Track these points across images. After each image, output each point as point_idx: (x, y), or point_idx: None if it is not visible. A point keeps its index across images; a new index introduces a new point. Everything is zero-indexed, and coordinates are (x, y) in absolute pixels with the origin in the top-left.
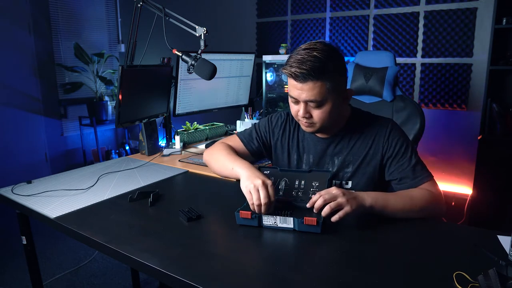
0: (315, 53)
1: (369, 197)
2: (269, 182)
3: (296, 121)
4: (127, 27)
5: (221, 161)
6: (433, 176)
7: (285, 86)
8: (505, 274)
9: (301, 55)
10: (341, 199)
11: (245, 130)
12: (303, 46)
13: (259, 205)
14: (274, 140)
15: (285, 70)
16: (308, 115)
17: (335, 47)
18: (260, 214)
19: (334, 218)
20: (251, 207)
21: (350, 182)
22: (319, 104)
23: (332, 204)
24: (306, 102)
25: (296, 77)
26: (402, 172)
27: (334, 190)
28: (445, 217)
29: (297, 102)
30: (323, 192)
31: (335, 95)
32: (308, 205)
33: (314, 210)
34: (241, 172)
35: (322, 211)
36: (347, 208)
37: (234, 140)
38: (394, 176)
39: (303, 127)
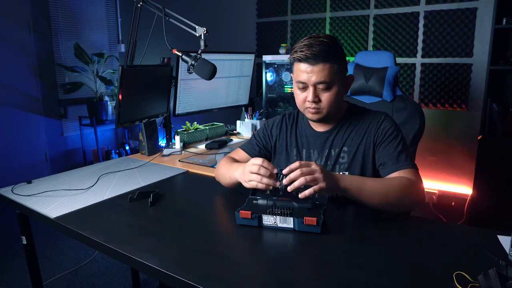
0: (321, 39)
1: (344, 179)
2: (256, 162)
3: (294, 118)
4: (127, 27)
5: (224, 175)
6: (417, 168)
7: (285, 86)
8: (505, 274)
9: (308, 41)
10: (318, 175)
11: (246, 142)
12: (306, 37)
13: (261, 179)
14: (274, 140)
15: (294, 55)
16: (317, 99)
17: (335, 36)
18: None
19: (304, 194)
20: (259, 186)
21: (347, 173)
22: (328, 86)
23: (308, 177)
24: (315, 86)
25: (307, 59)
26: (387, 157)
27: (313, 164)
28: (444, 216)
29: (304, 88)
30: (303, 162)
31: (340, 78)
32: (284, 171)
33: (285, 180)
34: (236, 176)
35: (295, 182)
36: (322, 184)
37: (237, 152)
38: (379, 161)
39: (310, 115)
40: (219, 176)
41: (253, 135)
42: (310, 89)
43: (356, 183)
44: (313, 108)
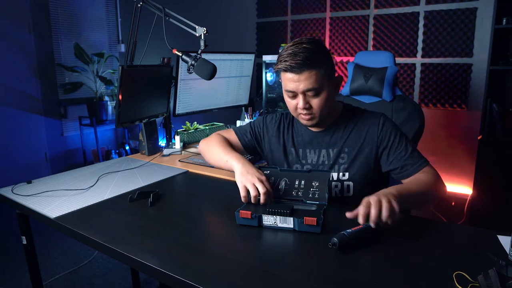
0: (304, 45)
1: (394, 189)
2: (263, 177)
3: (290, 118)
4: (127, 27)
5: (217, 153)
6: (428, 161)
7: None
8: (505, 274)
9: (291, 49)
10: (388, 204)
11: (242, 125)
12: (289, 44)
13: (256, 196)
14: (269, 136)
15: (279, 66)
16: (308, 106)
17: (318, 39)
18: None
19: (389, 225)
20: (242, 199)
21: (347, 174)
22: (317, 92)
23: (384, 215)
24: (304, 93)
25: (292, 69)
26: (402, 161)
27: (372, 201)
28: (444, 216)
29: (294, 96)
30: (364, 204)
31: (329, 81)
32: (360, 219)
33: (372, 224)
34: (235, 166)
35: (385, 225)
36: (397, 213)
37: (229, 133)
38: (394, 166)
39: (304, 121)
40: (208, 151)
41: (250, 122)
42: (300, 97)
43: (403, 190)
44: (306, 115)
